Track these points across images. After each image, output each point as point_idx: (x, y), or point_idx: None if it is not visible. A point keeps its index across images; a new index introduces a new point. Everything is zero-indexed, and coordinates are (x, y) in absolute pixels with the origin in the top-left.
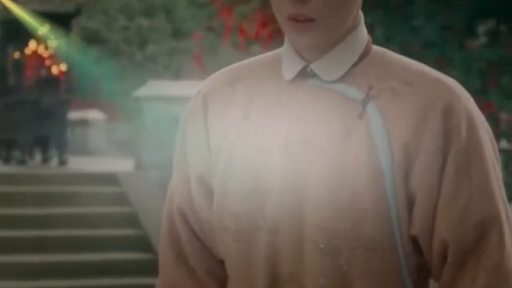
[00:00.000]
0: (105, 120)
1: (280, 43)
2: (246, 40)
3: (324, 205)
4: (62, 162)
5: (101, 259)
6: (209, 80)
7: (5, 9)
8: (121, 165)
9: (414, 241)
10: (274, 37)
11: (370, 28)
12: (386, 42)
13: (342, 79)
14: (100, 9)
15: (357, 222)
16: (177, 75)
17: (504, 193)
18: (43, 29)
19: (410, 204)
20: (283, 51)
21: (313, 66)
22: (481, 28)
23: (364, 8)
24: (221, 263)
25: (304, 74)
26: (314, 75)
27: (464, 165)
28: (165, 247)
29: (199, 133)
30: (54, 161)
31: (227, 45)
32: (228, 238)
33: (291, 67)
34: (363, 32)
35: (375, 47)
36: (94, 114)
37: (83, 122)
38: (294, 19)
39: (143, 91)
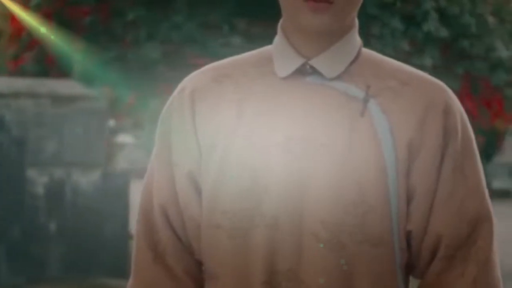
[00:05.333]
0: None
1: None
2: None
3: (330, 201)
4: None
5: None
6: (193, 77)
7: None
8: None
9: (407, 237)
10: (21, 32)
11: (133, 26)
12: (148, 39)
13: (340, 77)
14: None
15: (364, 217)
16: None
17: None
18: (44, 29)
19: (409, 199)
20: (274, 48)
21: (313, 62)
22: (241, 27)
23: (126, 5)
24: (198, 263)
25: (300, 71)
26: (312, 72)
27: (460, 163)
28: (141, 246)
29: (186, 130)
30: None
31: None
32: (221, 236)
33: (286, 64)
34: (357, 34)
35: (363, 49)
36: None
37: None
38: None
39: None
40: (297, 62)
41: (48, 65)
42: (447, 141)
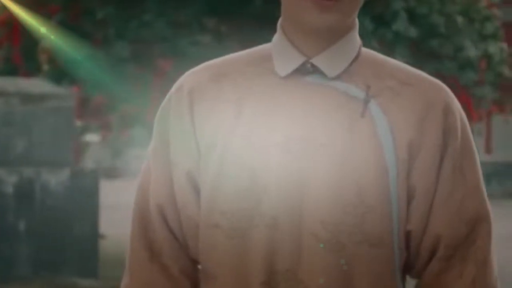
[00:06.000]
0: None
1: None
2: None
3: (329, 201)
4: None
5: None
6: (190, 76)
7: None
8: None
9: (406, 237)
10: None
11: (103, 24)
12: (117, 38)
13: (340, 77)
14: None
15: (363, 217)
16: None
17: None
18: (43, 29)
19: (409, 199)
20: (274, 47)
21: (314, 61)
22: (210, 26)
23: (96, 3)
24: (194, 263)
25: (300, 70)
26: (313, 72)
27: (459, 163)
28: (136, 246)
29: (185, 129)
30: None
31: None
32: (220, 236)
33: (286, 62)
34: (357, 34)
35: (363, 49)
36: None
37: None
38: None
39: None
40: (298, 60)
41: (16, 64)
42: (446, 141)
